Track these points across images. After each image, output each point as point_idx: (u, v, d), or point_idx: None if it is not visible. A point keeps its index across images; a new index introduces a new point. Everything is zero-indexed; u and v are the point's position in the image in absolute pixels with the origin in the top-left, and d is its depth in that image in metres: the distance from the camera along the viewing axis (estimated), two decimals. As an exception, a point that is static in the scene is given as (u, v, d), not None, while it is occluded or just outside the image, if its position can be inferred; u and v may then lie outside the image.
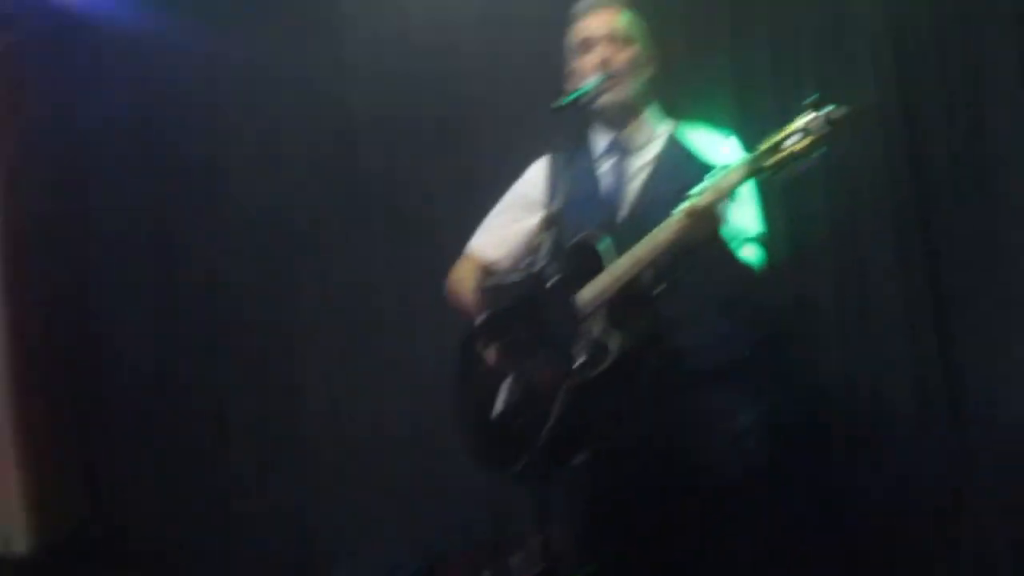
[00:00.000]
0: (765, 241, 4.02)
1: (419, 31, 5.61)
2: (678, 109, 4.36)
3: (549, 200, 4.05)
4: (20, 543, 6.04)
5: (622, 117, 4.14)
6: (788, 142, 3.42)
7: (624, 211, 4.03)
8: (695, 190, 3.61)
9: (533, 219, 4.23)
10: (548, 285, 3.41)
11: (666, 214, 3.70)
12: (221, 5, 5.94)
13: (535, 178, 4.27)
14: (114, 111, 6.18)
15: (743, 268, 3.89)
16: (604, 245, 3.84)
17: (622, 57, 4.07)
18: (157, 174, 6.13)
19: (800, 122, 3.41)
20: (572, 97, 3.91)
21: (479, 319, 3.91)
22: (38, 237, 6.25)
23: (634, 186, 4.06)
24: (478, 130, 5.50)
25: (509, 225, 4.31)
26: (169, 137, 6.12)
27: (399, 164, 5.67)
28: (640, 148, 4.12)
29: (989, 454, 4.53)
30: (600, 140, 4.17)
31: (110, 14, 6.06)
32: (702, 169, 3.77)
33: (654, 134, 4.15)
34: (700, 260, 3.78)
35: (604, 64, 4.05)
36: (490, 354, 4.01)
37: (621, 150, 4.13)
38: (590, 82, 3.98)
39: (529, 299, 3.44)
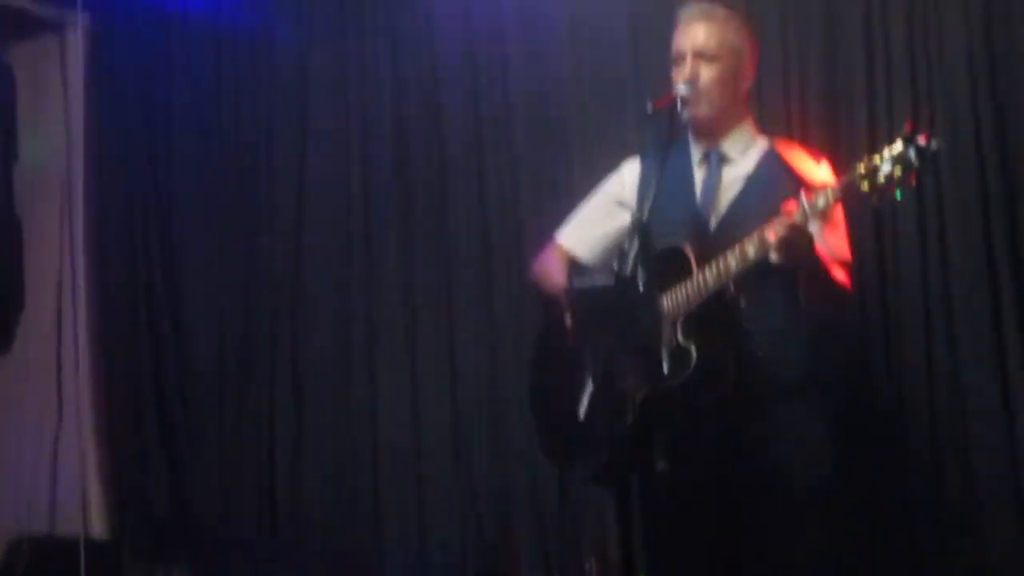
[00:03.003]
0: (852, 266, 4.00)
1: (512, 32, 5.62)
2: (771, 125, 4.38)
3: (640, 203, 4.03)
4: (98, 527, 6.11)
5: (714, 129, 4.11)
6: (883, 169, 3.41)
7: (715, 221, 4.02)
8: (787, 206, 3.61)
9: (622, 220, 4.21)
10: (639, 291, 3.42)
11: (757, 227, 3.72)
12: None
13: (627, 179, 4.26)
14: (197, 100, 6.25)
15: (832, 288, 3.86)
16: (692, 254, 3.85)
17: (707, 73, 4.02)
18: (242, 171, 6.18)
19: (895, 150, 3.40)
20: (664, 102, 3.91)
21: (567, 320, 3.92)
22: (124, 225, 6.31)
23: (727, 197, 4.04)
24: (567, 131, 5.48)
25: (599, 225, 4.31)
26: (255, 133, 6.17)
27: (487, 165, 5.66)
28: (735, 160, 4.09)
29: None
30: (695, 149, 4.15)
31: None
32: (796, 186, 3.76)
33: (749, 147, 4.12)
34: (787, 276, 3.78)
35: (690, 78, 4.02)
36: (575, 355, 4.03)
37: (716, 161, 4.10)
38: (677, 93, 3.98)
39: (617, 303, 3.44)
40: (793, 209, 3.58)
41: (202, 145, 6.23)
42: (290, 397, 5.96)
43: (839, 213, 3.97)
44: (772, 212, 3.67)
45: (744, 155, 4.09)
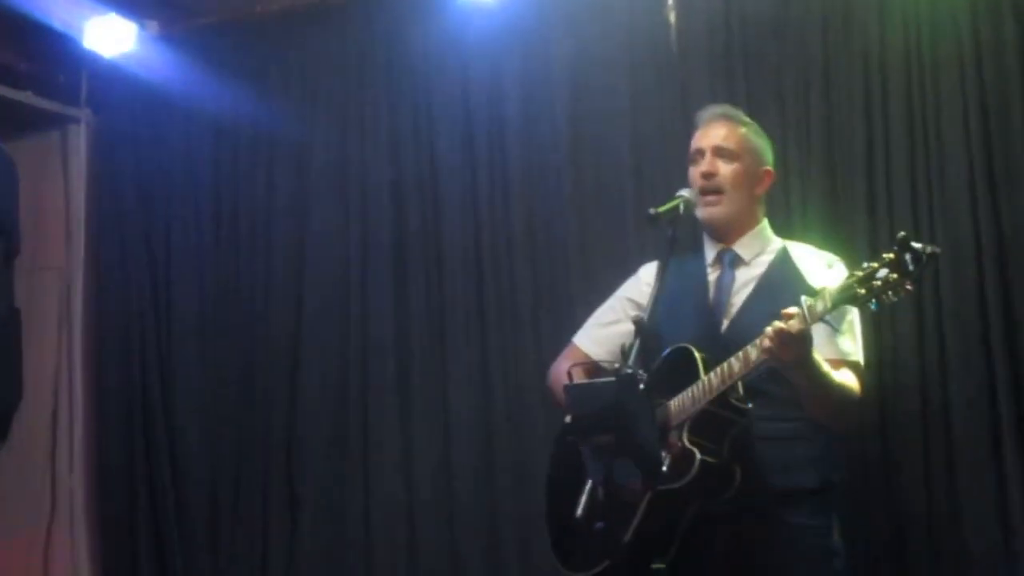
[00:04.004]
0: (861, 371, 4.03)
1: (513, 148, 5.68)
2: (786, 229, 4.44)
3: (647, 303, 4.09)
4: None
5: (727, 230, 4.19)
6: (879, 274, 3.43)
7: (726, 323, 4.06)
8: (789, 311, 3.63)
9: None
10: (639, 390, 3.43)
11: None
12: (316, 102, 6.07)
13: (643, 281, 4.31)
14: (197, 195, 6.29)
15: (834, 394, 3.88)
16: (701, 356, 3.87)
17: (725, 171, 4.12)
18: (240, 264, 6.20)
19: (891, 256, 3.43)
20: (668, 206, 3.95)
21: (565, 419, 3.92)
22: (121, 322, 6.31)
23: (738, 299, 4.10)
24: (567, 246, 5.52)
25: (613, 325, 4.36)
26: (254, 226, 6.19)
27: (487, 284, 5.67)
28: (748, 262, 4.16)
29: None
30: (709, 249, 4.21)
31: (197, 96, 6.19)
32: (805, 290, 3.80)
33: (764, 250, 4.19)
34: (792, 381, 3.81)
35: (705, 176, 4.10)
36: (574, 454, 4.02)
37: (729, 262, 4.17)
38: (686, 192, 4.02)
39: (616, 403, 3.44)
40: (792, 314, 3.60)
41: (201, 239, 6.25)
42: (285, 500, 5.91)
43: (854, 317, 4.02)
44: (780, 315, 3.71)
45: (757, 257, 4.16)
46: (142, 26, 6.12)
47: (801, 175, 5.02)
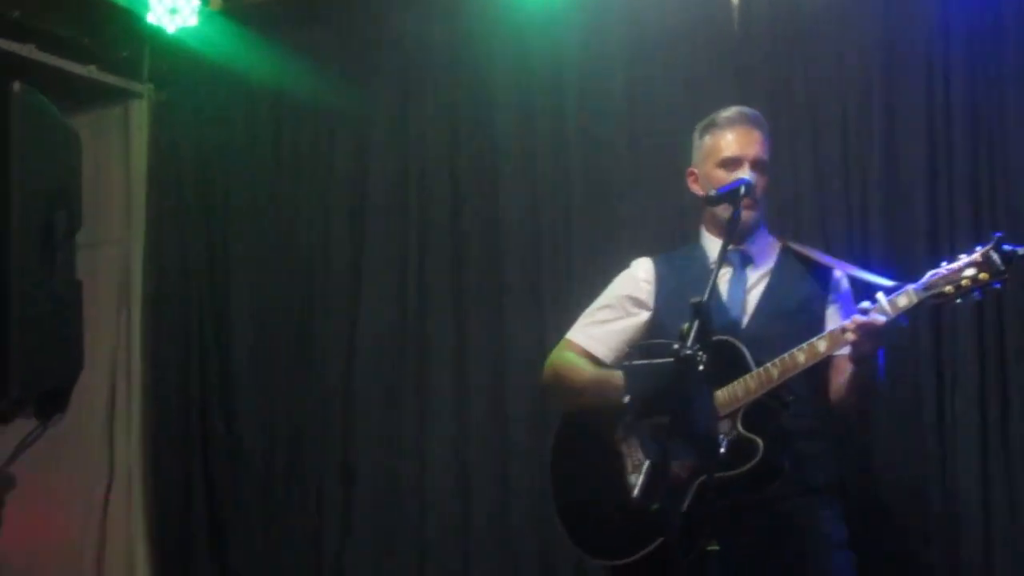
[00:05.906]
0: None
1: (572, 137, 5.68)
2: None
3: (657, 301, 4.23)
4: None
5: (744, 233, 4.17)
6: (967, 272, 3.45)
7: (746, 319, 4.10)
8: (865, 306, 3.67)
9: (637, 318, 4.32)
10: (698, 371, 3.44)
11: (787, 324, 3.89)
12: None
13: (641, 278, 4.35)
14: (256, 173, 6.32)
15: (878, 384, 3.96)
16: (745, 348, 3.92)
17: (760, 184, 4.14)
18: (298, 247, 6.22)
19: (980, 255, 3.45)
20: (728, 188, 3.93)
21: (625, 398, 3.92)
22: (178, 300, 6.35)
23: (754, 295, 4.14)
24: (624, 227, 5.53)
25: (611, 322, 4.37)
26: (313, 201, 6.21)
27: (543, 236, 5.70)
28: (755, 260, 4.19)
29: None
30: (712, 247, 4.18)
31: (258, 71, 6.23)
32: (818, 281, 4.01)
33: (767, 247, 4.23)
34: (858, 371, 3.86)
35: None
36: (630, 435, 4.03)
37: (739, 261, 4.18)
38: (740, 182, 3.97)
39: (674, 383, 3.45)
40: (867, 308, 3.62)
41: (260, 215, 6.28)
42: (339, 472, 5.95)
43: None
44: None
45: (763, 254, 4.21)
46: (205, 2, 6.14)
47: (860, 160, 5.02)
